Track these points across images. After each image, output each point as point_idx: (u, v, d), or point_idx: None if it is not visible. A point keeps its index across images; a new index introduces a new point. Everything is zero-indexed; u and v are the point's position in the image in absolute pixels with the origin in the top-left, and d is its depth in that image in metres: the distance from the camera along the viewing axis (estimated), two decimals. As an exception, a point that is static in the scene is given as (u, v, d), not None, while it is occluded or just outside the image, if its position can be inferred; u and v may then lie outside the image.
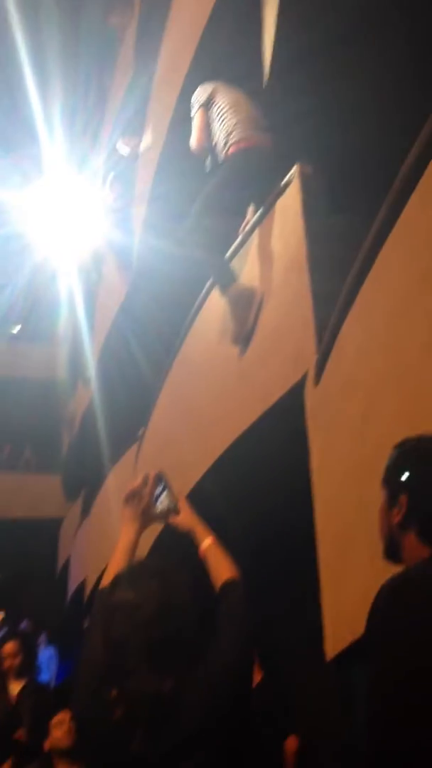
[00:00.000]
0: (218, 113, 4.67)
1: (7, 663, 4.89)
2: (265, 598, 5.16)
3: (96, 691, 1.61)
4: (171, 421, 6.50)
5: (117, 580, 1.68)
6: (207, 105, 4.76)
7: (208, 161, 4.77)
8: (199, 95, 4.83)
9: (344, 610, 3.16)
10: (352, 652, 3.03)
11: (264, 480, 4.74)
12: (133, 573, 1.70)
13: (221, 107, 4.67)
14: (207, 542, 1.96)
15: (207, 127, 4.74)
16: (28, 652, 5.13)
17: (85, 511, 11.96)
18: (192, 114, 4.90)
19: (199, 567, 1.92)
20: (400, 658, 1.37)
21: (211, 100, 4.75)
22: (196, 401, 5.61)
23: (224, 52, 5.16)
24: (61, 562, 14.44)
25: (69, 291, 11.98)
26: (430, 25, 4.07)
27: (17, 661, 4.90)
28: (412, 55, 4.29)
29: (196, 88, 4.95)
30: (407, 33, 4.26)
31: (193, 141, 4.82)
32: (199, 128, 4.77)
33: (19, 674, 4.87)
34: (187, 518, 2.03)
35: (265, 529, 5.22)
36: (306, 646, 3.99)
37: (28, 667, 5.01)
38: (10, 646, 5.00)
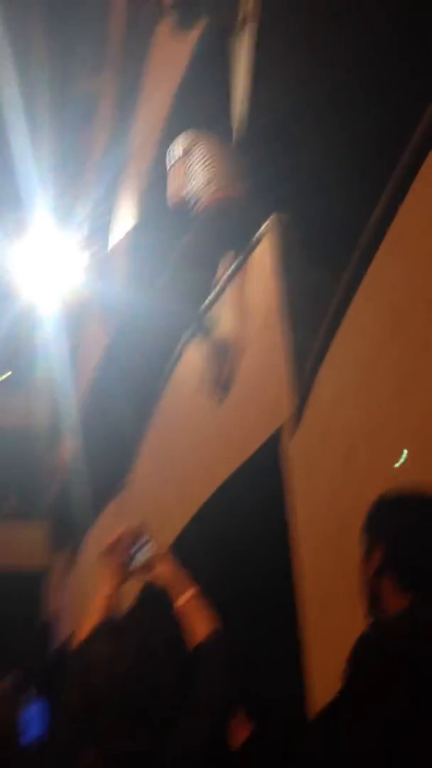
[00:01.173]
0: (195, 165, 4.75)
1: None
2: (248, 653, 5.10)
3: (71, 750, 1.57)
4: (153, 471, 6.49)
5: (94, 635, 1.65)
6: (184, 157, 4.84)
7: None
8: (176, 149, 4.90)
9: (328, 662, 3.13)
10: (338, 705, 3.00)
11: (245, 531, 4.72)
12: (110, 627, 1.68)
13: (197, 159, 4.76)
14: (184, 598, 1.92)
15: (184, 179, 4.79)
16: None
17: (72, 560, 11.82)
18: (168, 165, 4.96)
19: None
20: (372, 711, 1.37)
21: (189, 152, 4.83)
22: (177, 451, 5.61)
23: (198, 113, 5.31)
24: (47, 613, 14.19)
25: (52, 340, 12.02)
26: (398, 90, 4.24)
27: None
28: (382, 115, 4.46)
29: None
30: (377, 96, 4.44)
31: (170, 194, 4.88)
32: (175, 184, 4.85)
33: None
34: (166, 572, 1.99)
35: (247, 581, 5.18)
36: (292, 700, 3.94)
37: None
38: None
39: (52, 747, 1.67)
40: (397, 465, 2.57)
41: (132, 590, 5.45)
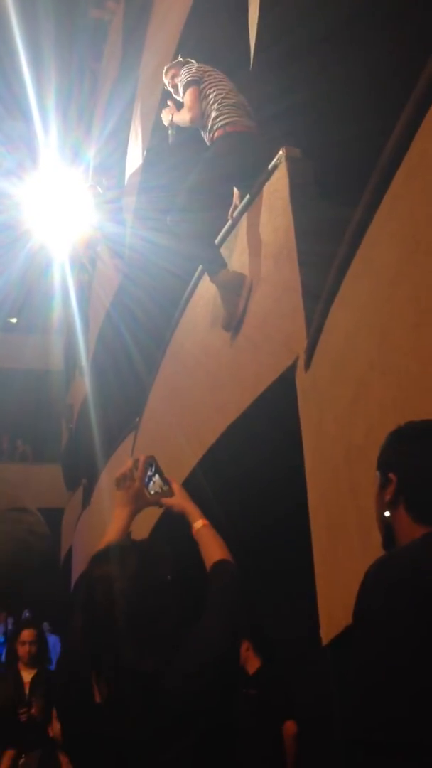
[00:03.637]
0: (207, 95, 4.64)
1: (23, 649, 4.91)
2: (260, 586, 5.18)
3: (76, 672, 1.58)
4: (165, 410, 6.51)
5: (97, 557, 1.64)
6: (198, 83, 4.72)
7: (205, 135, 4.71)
8: (190, 73, 4.77)
9: (338, 595, 3.17)
10: (348, 636, 3.04)
11: (258, 466, 4.75)
12: (113, 549, 1.67)
13: (210, 89, 4.65)
14: (199, 523, 1.95)
15: (199, 103, 4.69)
16: (44, 642, 5.16)
17: (86, 500, 12.00)
18: (181, 87, 4.83)
19: (194, 548, 1.92)
20: (380, 641, 1.37)
21: (202, 79, 4.71)
22: (189, 389, 5.61)
23: (208, 42, 5.15)
24: (63, 552, 14.49)
25: (63, 281, 11.96)
26: (412, 18, 4.08)
27: (33, 649, 4.92)
28: (395, 45, 4.30)
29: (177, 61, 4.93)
30: (390, 26, 4.27)
31: (186, 116, 4.75)
32: (192, 104, 4.69)
33: (32, 663, 4.90)
34: (180, 501, 2.01)
35: (260, 516, 5.24)
36: (302, 632, 4.01)
37: (42, 657, 5.03)
38: (28, 634, 5.01)
39: (61, 671, 1.68)
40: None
41: (145, 523, 5.52)
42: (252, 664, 4.58)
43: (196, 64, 4.83)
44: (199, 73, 4.74)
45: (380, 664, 1.36)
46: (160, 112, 5.23)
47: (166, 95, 5.30)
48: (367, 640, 1.41)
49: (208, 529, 1.94)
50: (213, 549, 1.88)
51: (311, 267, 3.83)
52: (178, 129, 4.94)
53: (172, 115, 4.91)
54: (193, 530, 1.95)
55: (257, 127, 4.60)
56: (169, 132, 5.04)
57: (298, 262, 3.86)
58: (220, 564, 1.82)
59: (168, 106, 5.00)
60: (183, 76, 4.79)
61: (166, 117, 5.01)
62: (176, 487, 2.05)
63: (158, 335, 6.70)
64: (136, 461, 2.04)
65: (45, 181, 10.41)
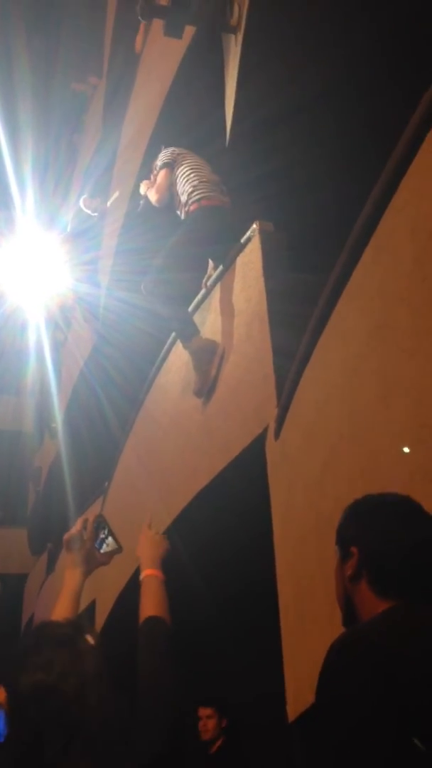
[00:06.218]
0: (182, 174, 4.82)
1: None
2: (226, 657, 5.07)
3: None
4: (135, 474, 6.46)
5: (21, 655, 1.48)
6: (171, 166, 4.90)
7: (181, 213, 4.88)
8: (165, 156, 5.00)
9: (305, 669, 3.11)
10: (315, 713, 2.96)
11: (227, 534, 4.71)
12: (38, 646, 1.48)
13: (185, 169, 4.83)
14: (147, 572, 1.91)
15: (169, 185, 4.91)
16: None
17: (51, 566, 11.74)
18: (155, 171, 5.03)
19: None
20: (341, 721, 1.34)
21: (176, 162, 4.90)
22: (160, 454, 5.59)
23: (186, 117, 5.33)
24: (25, 618, 14.08)
25: (37, 343, 11.96)
26: (385, 92, 4.26)
27: None
28: (366, 117, 4.48)
29: (160, 150, 5.12)
30: (364, 99, 4.46)
31: (154, 197, 4.99)
32: (162, 185, 4.93)
33: None
34: (143, 541, 1.99)
35: (228, 584, 5.16)
36: (268, 707, 3.91)
37: None
38: None
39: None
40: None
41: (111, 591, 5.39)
42: (214, 741, 4.44)
43: (172, 149, 5.02)
44: (173, 157, 4.95)
45: (342, 745, 1.32)
46: (138, 178, 5.42)
47: (147, 164, 5.49)
48: (328, 721, 1.38)
49: (153, 581, 1.87)
50: (148, 602, 1.80)
51: (283, 335, 3.89)
52: (147, 202, 5.14)
53: (147, 189, 5.10)
54: (141, 575, 1.92)
55: (230, 202, 4.75)
56: (141, 201, 5.29)
57: (270, 330, 3.93)
58: (150, 622, 1.74)
59: (149, 179, 5.20)
60: (159, 159, 5.00)
61: (143, 188, 5.22)
62: (144, 534, 2.03)
63: (132, 395, 6.71)
64: (85, 521, 2.02)
65: (21, 245, 10.51)
